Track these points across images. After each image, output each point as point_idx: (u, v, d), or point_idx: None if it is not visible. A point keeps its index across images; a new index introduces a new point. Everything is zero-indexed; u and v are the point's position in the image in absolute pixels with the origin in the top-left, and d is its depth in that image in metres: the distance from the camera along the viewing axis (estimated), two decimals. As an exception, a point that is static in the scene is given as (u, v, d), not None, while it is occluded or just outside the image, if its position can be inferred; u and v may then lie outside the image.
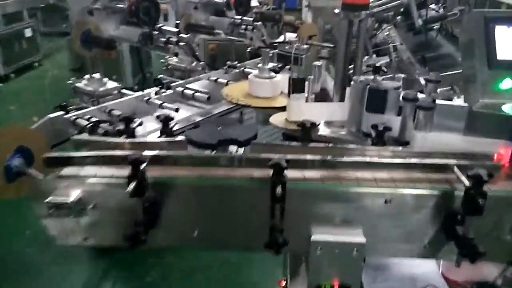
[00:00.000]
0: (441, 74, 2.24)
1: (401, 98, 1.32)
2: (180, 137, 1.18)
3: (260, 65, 1.69)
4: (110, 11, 3.04)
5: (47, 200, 1.13)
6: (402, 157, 1.16)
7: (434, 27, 2.90)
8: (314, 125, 1.24)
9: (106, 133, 2.26)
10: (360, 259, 1.13)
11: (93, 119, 2.32)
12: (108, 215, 1.17)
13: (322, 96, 1.62)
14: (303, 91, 1.44)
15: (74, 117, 2.35)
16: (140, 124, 2.46)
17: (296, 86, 1.43)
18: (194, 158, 1.11)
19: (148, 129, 2.52)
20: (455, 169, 1.10)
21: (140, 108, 2.70)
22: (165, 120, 1.27)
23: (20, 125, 2.24)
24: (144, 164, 1.01)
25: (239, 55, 3.52)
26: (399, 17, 2.75)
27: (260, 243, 1.18)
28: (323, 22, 3.37)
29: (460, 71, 2.39)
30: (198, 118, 2.66)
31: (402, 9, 2.58)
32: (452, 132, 1.30)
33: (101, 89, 2.70)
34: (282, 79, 1.71)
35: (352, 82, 1.41)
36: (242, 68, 3.42)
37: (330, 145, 1.20)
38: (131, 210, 1.10)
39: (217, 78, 3.08)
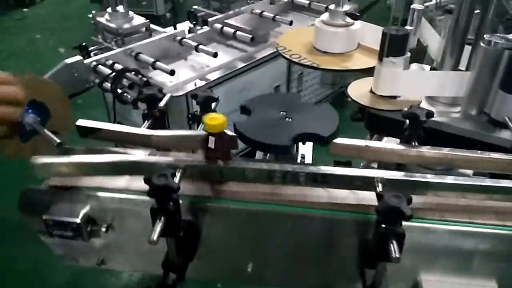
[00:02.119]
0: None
1: None
2: (228, 132, 0.79)
3: (332, 6, 1.21)
4: None
5: (45, 217, 0.80)
6: None
7: None
8: (430, 115, 0.81)
9: (131, 86, 1.89)
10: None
11: (117, 66, 1.94)
12: (128, 240, 0.84)
13: (417, 55, 1.16)
14: (403, 53, 0.99)
15: (94, 63, 1.98)
16: (172, 74, 2.07)
17: (394, 46, 0.98)
18: (254, 172, 0.72)
19: (181, 78, 2.13)
20: None
21: (172, 50, 2.28)
22: (205, 102, 0.87)
23: (33, 75, 1.89)
24: (176, 194, 0.64)
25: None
26: None
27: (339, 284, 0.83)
28: None
29: None
30: (240, 65, 2.23)
31: None
32: None
33: (126, 25, 2.27)
34: (362, 28, 1.24)
35: (481, 43, 0.94)
36: (291, -2, 2.89)
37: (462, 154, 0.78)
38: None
39: (262, 11, 2.58)
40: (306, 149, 0.96)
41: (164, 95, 0.94)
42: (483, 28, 0.99)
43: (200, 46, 2.17)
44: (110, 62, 1.99)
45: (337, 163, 1.17)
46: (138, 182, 0.81)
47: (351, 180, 0.72)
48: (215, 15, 2.57)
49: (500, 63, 0.93)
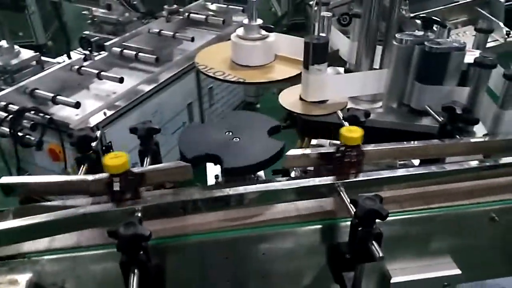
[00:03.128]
0: (428, 11, 1.90)
1: (466, 61, 0.97)
2: (180, 162, 0.75)
3: (245, 20, 1.23)
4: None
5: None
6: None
7: None
8: (368, 115, 0.86)
9: (34, 126, 1.71)
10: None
11: (12, 107, 1.74)
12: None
13: (331, 60, 1.21)
14: (326, 60, 1.04)
15: (-16, 107, 1.75)
16: (77, 106, 1.91)
17: (318, 54, 1.02)
18: (221, 200, 0.69)
19: (88, 109, 1.98)
20: None
21: (71, 81, 2.12)
22: (147, 134, 0.82)
23: None
24: (147, 242, 0.59)
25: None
26: None
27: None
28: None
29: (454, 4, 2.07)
30: (149, 87, 2.15)
31: None
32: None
33: (14, 61, 2.05)
34: (277, 39, 1.28)
35: (393, 42, 1.02)
36: (187, 14, 2.86)
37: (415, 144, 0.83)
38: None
39: (160, 30, 2.52)
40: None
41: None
42: (391, 28, 1.08)
43: (103, 73, 2.04)
44: (3, 103, 1.77)
45: (276, 172, 1.18)
46: (87, 235, 0.74)
47: (316, 189, 0.73)
48: (111, 39, 2.44)
49: (413, 57, 1.02)
